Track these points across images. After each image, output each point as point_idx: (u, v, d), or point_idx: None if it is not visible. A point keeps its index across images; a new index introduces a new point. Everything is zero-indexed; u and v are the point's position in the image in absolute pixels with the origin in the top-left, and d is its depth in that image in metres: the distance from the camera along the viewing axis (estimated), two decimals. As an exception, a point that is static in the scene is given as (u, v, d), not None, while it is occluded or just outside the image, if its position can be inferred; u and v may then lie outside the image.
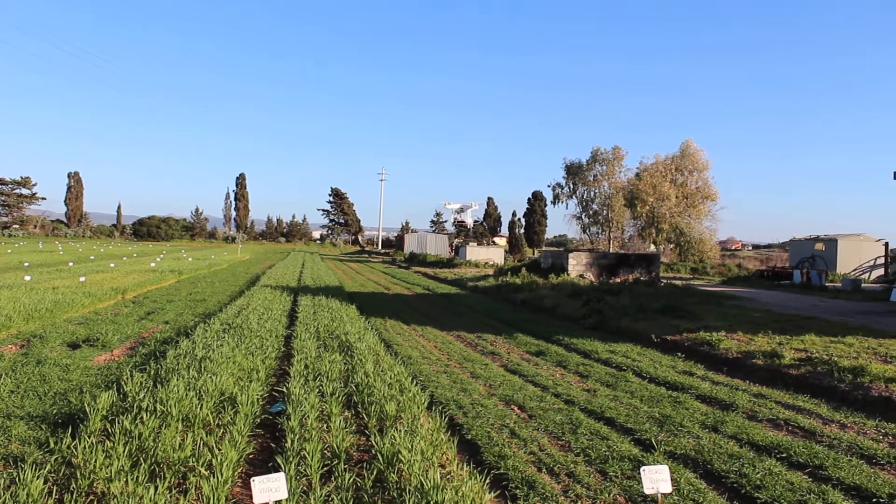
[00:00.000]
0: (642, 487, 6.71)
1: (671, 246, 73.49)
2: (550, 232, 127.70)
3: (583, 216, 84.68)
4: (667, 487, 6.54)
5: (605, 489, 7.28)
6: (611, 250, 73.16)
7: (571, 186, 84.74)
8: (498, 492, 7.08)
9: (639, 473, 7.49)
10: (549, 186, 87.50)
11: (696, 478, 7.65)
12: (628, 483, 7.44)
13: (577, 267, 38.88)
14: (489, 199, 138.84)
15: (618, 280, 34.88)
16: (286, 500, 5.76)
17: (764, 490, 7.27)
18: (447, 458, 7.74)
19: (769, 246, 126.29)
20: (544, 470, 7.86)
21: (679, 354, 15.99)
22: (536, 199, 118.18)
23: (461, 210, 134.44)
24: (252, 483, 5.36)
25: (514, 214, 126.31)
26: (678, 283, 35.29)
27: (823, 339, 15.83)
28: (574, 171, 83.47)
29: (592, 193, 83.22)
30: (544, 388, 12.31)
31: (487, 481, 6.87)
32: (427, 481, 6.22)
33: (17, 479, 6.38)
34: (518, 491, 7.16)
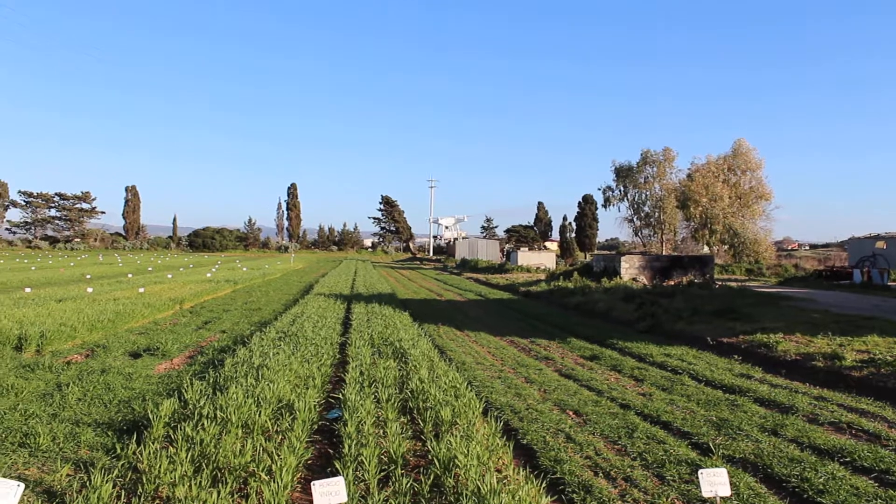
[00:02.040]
0: (700, 491, 6.65)
1: (725, 247, 72.41)
2: (602, 235, 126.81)
3: (634, 219, 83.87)
4: (725, 491, 6.47)
5: (663, 493, 7.23)
6: (663, 253, 72.33)
7: (622, 189, 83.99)
8: (555, 496, 7.08)
9: (697, 477, 7.43)
10: (599, 189, 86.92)
11: (755, 482, 7.56)
12: (686, 487, 7.38)
13: (630, 270, 38.54)
14: (539, 203, 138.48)
15: (671, 283, 34.47)
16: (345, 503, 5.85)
17: (827, 495, 7.14)
18: (503, 463, 7.77)
19: (827, 245, 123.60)
20: (601, 474, 7.83)
21: (735, 357, 15.77)
22: (587, 203, 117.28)
23: (458, 223, 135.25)
24: (312, 487, 5.45)
25: (564, 218, 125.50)
26: (733, 284, 34.79)
27: (887, 340, 15.47)
28: (624, 174, 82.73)
29: (643, 196, 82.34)
30: (599, 392, 12.26)
31: (544, 486, 6.88)
32: (484, 486, 6.25)
33: (87, 484, 6.59)
34: (575, 495, 7.15)
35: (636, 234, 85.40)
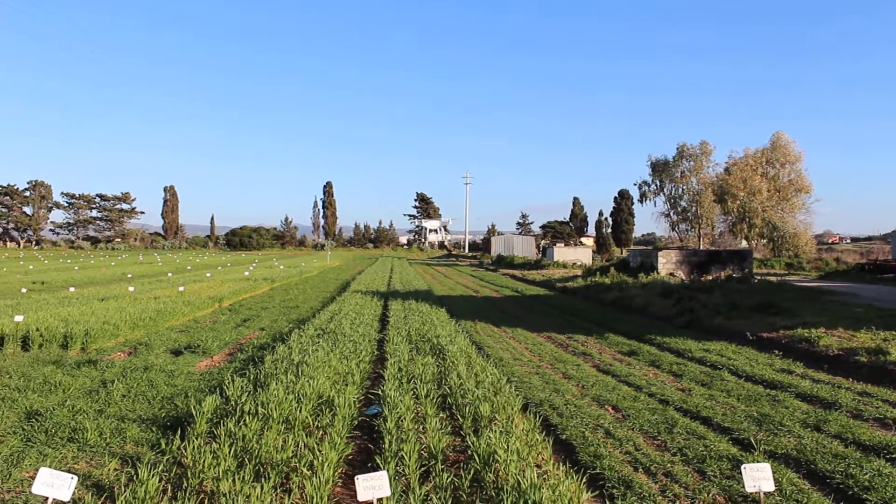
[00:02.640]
0: (742, 486, 6.61)
1: (764, 241, 71.39)
2: (638, 230, 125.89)
3: (671, 213, 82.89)
4: (769, 486, 6.41)
5: (704, 489, 7.19)
6: (701, 247, 71.56)
7: (658, 184, 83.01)
8: (595, 492, 7.07)
9: (738, 473, 7.37)
10: (635, 185, 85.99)
11: (798, 478, 7.48)
12: (727, 483, 7.33)
13: (667, 265, 38.26)
14: (575, 199, 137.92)
15: (709, 277, 34.15)
16: (387, 498, 5.90)
17: (873, 492, 7.04)
18: (543, 458, 7.77)
19: (869, 238, 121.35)
20: (641, 469, 7.81)
21: (776, 352, 15.59)
22: (623, 198, 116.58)
23: (443, 226, 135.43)
24: (356, 481, 5.51)
25: (600, 214, 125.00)
26: (772, 279, 34.38)
27: (932, 335, 15.19)
28: (660, 169, 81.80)
29: (680, 190, 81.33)
30: (638, 387, 12.21)
31: (584, 481, 6.87)
32: (524, 480, 6.26)
33: (134, 478, 6.72)
34: (615, 490, 7.13)
35: (673, 229, 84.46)
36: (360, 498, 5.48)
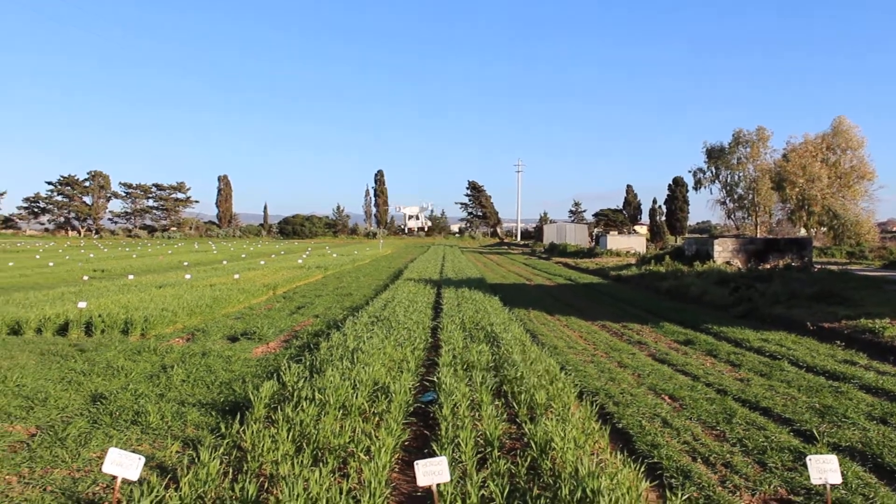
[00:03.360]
0: (805, 478, 6.47)
1: (824, 229, 69.76)
2: (692, 218, 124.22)
3: (727, 201, 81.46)
4: (836, 478, 6.24)
5: (765, 480, 7.06)
6: (758, 235, 70.24)
7: (713, 171, 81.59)
8: (653, 481, 6.98)
9: (801, 465, 7.24)
10: (689, 172, 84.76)
11: (864, 471, 7.30)
12: (789, 475, 7.19)
13: (723, 253, 37.64)
14: (628, 186, 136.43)
15: (767, 266, 33.49)
16: (444, 484, 5.90)
17: (945, 487, 6.84)
18: (599, 447, 7.72)
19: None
20: (699, 459, 7.71)
21: (838, 343, 15.23)
22: (677, 186, 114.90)
23: (422, 211, 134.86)
24: (416, 466, 5.52)
25: (654, 202, 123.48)
26: (833, 268, 33.63)
27: None
28: (716, 155, 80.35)
29: (736, 177, 79.85)
30: (695, 377, 12.04)
31: (642, 470, 6.79)
32: (582, 468, 6.21)
33: (195, 460, 6.84)
34: (673, 480, 7.05)
35: (729, 217, 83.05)
36: (420, 483, 5.49)
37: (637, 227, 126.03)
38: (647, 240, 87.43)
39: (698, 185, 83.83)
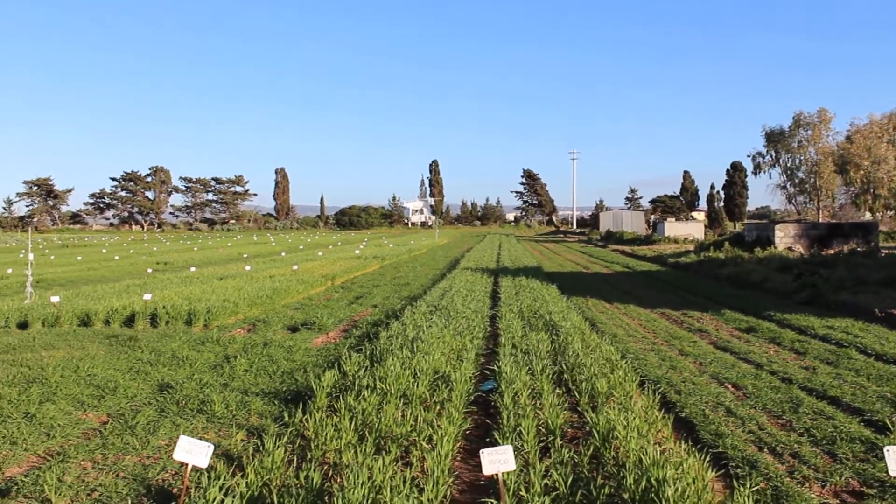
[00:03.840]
0: (879, 470, 6.31)
1: (890, 213, 67.84)
2: (751, 204, 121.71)
3: (787, 185, 79.58)
4: (916, 470, 6.00)
5: (836, 471, 6.88)
6: (821, 220, 68.55)
7: (773, 155, 79.70)
8: (719, 471, 6.84)
9: (873, 456, 7.07)
10: (748, 156, 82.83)
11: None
12: (861, 466, 7.00)
13: (785, 239, 36.89)
14: (685, 172, 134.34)
15: (831, 251, 32.71)
16: (507, 473, 5.88)
17: None
18: (663, 436, 7.64)
19: None
20: (766, 449, 7.56)
21: (909, 330, 14.79)
22: (735, 171, 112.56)
23: (426, 205, 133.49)
24: (482, 454, 5.51)
25: (711, 187, 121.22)
26: (901, 252, 32.64)
27: None
28: (775, 139, 78.41)
29: (797, 161, 77.87)
30: (758, 365, 11.82)
31: (707, 459, 6.68)
32: (646, 458, 6.15)
33: (260, 448, 6.95)
34: (739, 470, 6.92)
35: (790, 202, 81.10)
36: (486, 472, 5.48)
37: (694, 214, 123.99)
38: (705, 226, 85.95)
39: (757, 169, 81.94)
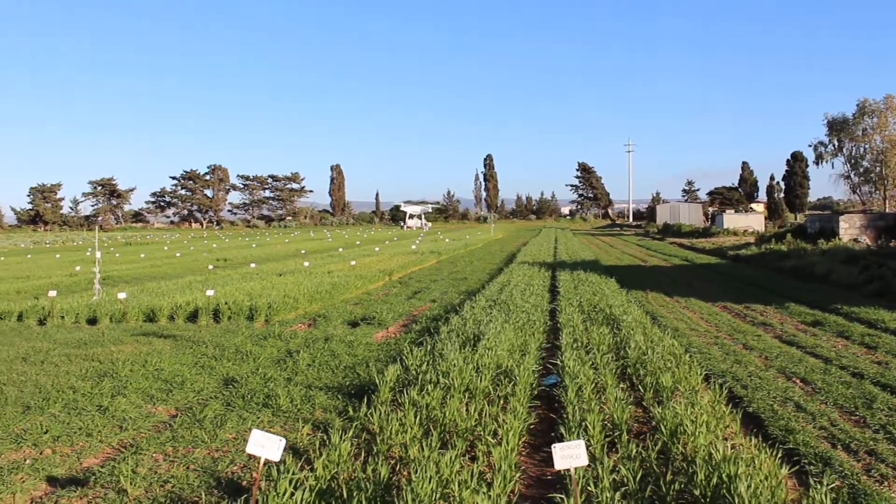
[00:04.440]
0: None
1: (960, 202, 65.55)
2: (813, 195, 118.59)
3: (851, 175, 77.44)
4: None
5: (916, 470, 6.68)
6: (887, 210, 66.68)
7: (836, 144, 77.60)
8: (791, 468, 6.69)
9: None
10: (809, 146, 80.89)
11: None
12: (944, 465, 6.78)
13: (850, 230, 35.99)
14: (743, 163, 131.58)
15: (899, 243, 31.80)
16: (575, 468, 5.84)
17: None
18: (731, 431, 7.50)
19: None
20: (839, 446, 7.37)
21: None
22: (796, 161, 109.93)
23: (421, 211, 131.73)
24: (553, 449, 5.48)
25: (771, 178, 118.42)
26: (974, 243, 31.56)
27: None
28: (838, 127, 76.28)
29: (862, 149, 75.67)
30: (827, 360, 11.52)
31: (779, 456, 6.54)
32: (716, 453, 6.04)
33: (326, 442, 7.01)
34: (812, 468, 6.76)
35: (854, 192, 78.89)
36: (557, 466, 5.44)
37: (753, 205, 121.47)
38: (765, 218, 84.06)
39: (819, 159, 79.89)
